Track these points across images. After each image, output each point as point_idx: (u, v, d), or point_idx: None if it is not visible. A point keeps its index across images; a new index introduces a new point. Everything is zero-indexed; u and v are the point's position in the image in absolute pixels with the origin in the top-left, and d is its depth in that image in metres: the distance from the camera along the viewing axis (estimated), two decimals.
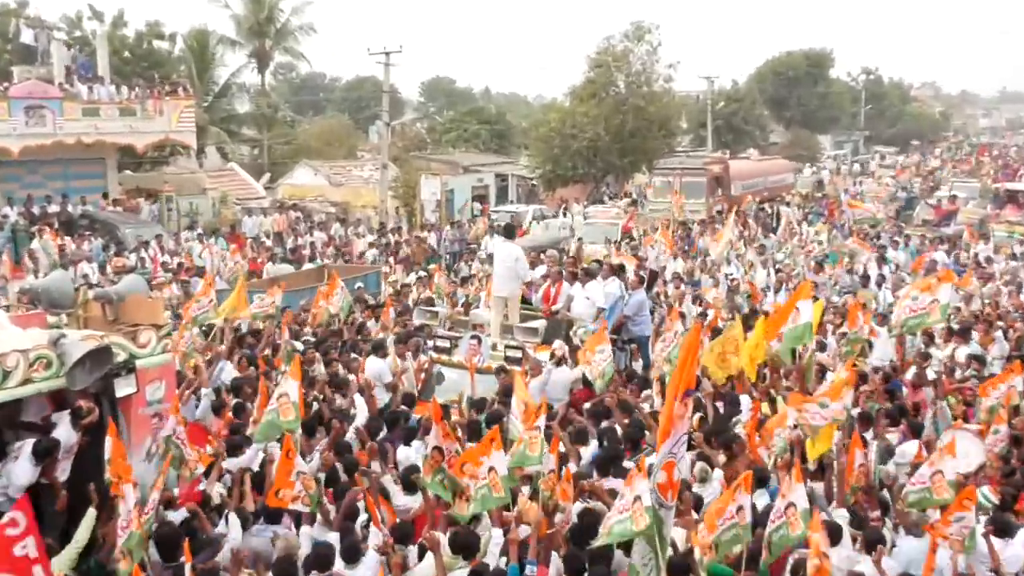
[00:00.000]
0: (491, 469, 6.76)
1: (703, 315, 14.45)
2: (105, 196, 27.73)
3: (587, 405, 10.08)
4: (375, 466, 7.86)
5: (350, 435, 8.85)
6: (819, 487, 7.63)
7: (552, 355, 10.82)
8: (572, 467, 7.64)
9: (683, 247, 22.62)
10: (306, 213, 31.92)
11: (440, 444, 7.16)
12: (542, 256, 16.70)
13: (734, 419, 9.15)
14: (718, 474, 7.86)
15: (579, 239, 21.23)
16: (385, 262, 22.37)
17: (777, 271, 18.83)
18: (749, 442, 8.15)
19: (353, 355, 12.08)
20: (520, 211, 33.55)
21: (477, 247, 25.47)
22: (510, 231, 12.54)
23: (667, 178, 33.04)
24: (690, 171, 32.92)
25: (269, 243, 25.11)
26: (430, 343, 12.02)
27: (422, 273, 19.48)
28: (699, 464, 7.82)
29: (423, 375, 11.49)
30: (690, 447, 7.86)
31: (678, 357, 7.20)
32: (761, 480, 7.36)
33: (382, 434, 8.96)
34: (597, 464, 7.90)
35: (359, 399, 9.69)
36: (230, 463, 7.96)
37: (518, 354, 10.83)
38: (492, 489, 6.73)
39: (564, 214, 34.17)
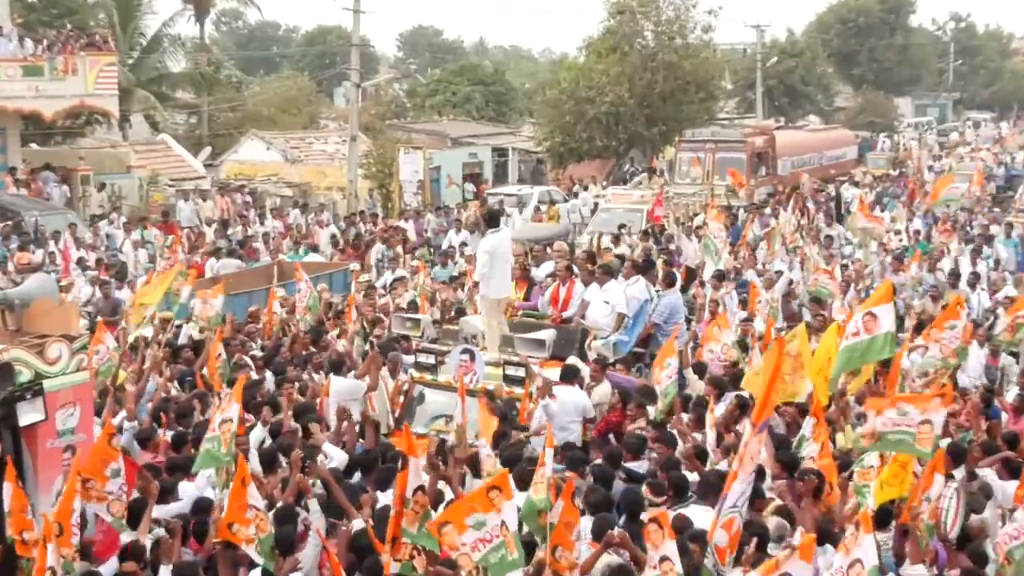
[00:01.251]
0: (503, 524, 6.70)
1: (748, 322, 14.47)
2: (12, 172, 27.77)
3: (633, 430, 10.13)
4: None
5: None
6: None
7: (564, 374, 10.88)
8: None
9: (727, 238, 22.59)
10: (256, 197, 31.99)
11: (424, 483, 7.17)
12: (548, 250, 16.72)
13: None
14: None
15: (599, 232, 21.25)
16: (344, 255, 22.39)
17: (843, 268, 18.86)
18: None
19: (312, 376, 12.11)
20: (523, 193, 33.63)
21: (473, 234, 25.47)
22: (494, 218, 12.61)
23: (696, 153, 32.95)
24: (725, 144, 32.85)
25: (210, 234, 25.14)
26: (410, 358, 12.06)
27: (399, 273, 19.49)
28: (775, 519, 7.65)
29: (402, 399, 11.54)
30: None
31: (762, 377, 7.16)
32: (825, 534, 7.31)
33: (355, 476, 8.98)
34: (625, 510, 7.92)
35: (330, 448, 9.64)
36: (161, 511, 8.00)
37: (520, 372, 10.86)
38: (507, 550, 6.67)
39: (577, 197, 34.27)
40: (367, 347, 12.54)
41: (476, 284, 12.42)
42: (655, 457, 9.30)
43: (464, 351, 11.16)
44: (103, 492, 7.69)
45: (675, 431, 9.75)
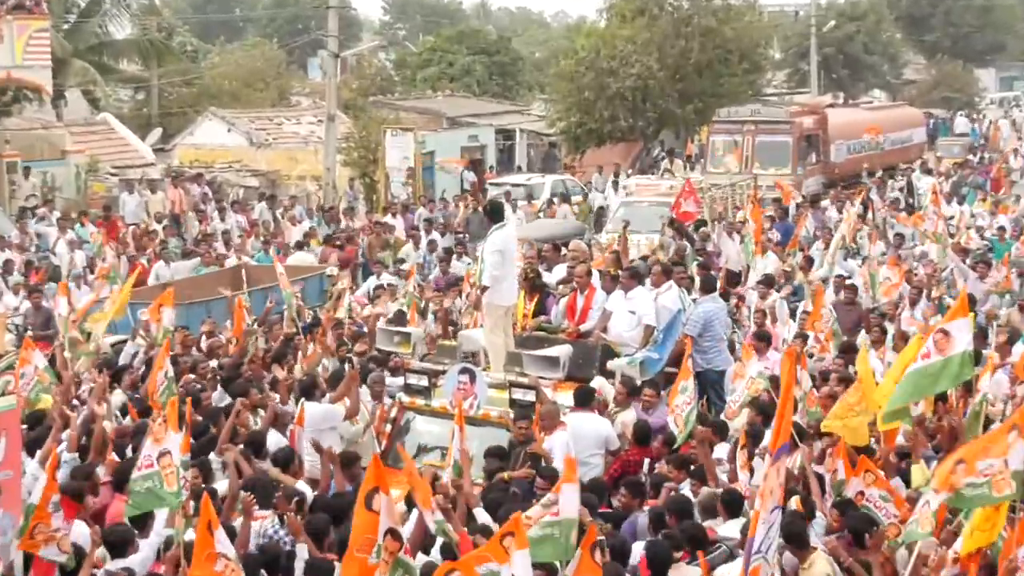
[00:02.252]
0: None
1: (802, 338, 14.44)
2: None
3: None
4: None
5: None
6: None
7: (579, 398, 10.85)
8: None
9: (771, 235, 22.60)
10: (216, 188, 32.04)
11: (396, 526, 7.21)
12: (563, 251, 16.71)
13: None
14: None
15: (625, 223, 21.21)
16: (342, 250, 22.49)
17: (909, 272, 18.83)
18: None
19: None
20: (533, 183, 33.64)
21: (465, 237, 25.50)
22: (497, 211, 12.60)
23: (732, 136, 32.97)
24: (767, 125, 32.81)
25: (160, 231, 25.18)
26: (396, 380, 12.03)
27: (385, 279, 19.51)
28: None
29: (388, 428, 11.54)
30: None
31: (780, 398, 7.16)
32: None
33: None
34: (650, 567, 7.97)
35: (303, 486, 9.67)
36: (113, 566, 8.06)
37: (529, 396, 10.85)
38: None
39: (597, 188, 34.27)
40: (346, 366, 12.54)
41: (478, 292, 12.39)
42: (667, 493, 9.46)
43: (463, 371, 11.18)
44: (50, 533, 7.85)
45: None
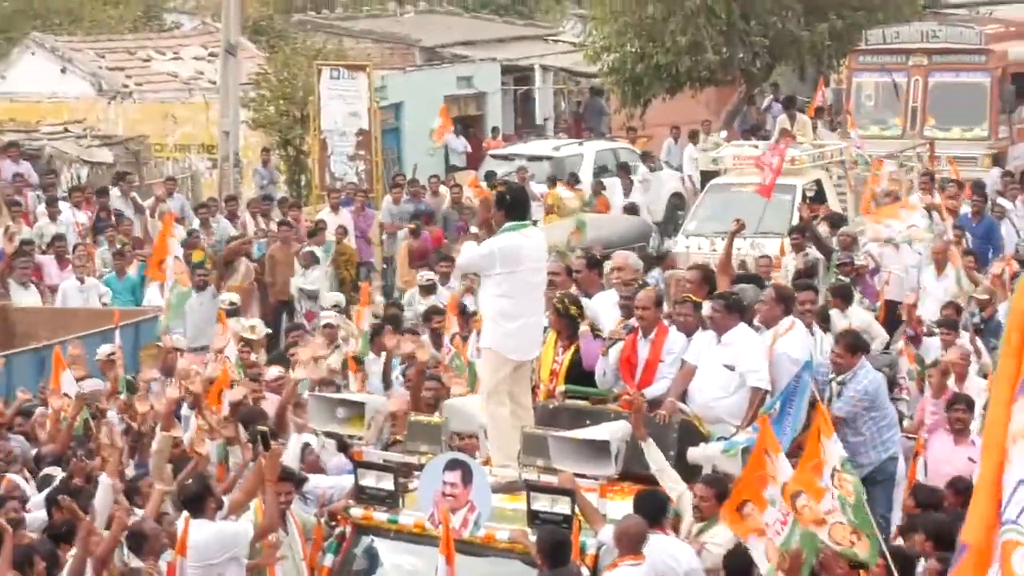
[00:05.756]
0: None
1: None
2: None
3: None
4: None
5: None
6: None
7: (643, 508, 10.94)
8: None
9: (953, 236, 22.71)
10: (43, 164, 32.13)
11: None
12: (610, 267, 16.74)
13: None
14: None
15: (738, 222, 21.28)
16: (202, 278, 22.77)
17: None
18: None
19: None
20: (564, 154, 33.82)
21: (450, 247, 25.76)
22: (517, 202, 12.69)
23: (887, 75, 33.28)
24: (949, 57, 33.13)
25: None
26: (340, 481, 12.18)
27: (325, 316, 19.73)
28: None
29: (328, 560, 11.64)
30: None
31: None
32: None
33: None
34: None
35: None
36: None
37: (563, 508, 10.94)
38: None
39: (670, 163, 34.37)
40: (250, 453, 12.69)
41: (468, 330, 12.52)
42: None
43: (452, 465, 11.24)
44: None
45: None
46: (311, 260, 25.41)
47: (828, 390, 13.31)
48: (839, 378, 13.48)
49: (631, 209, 30.52)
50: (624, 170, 32.54)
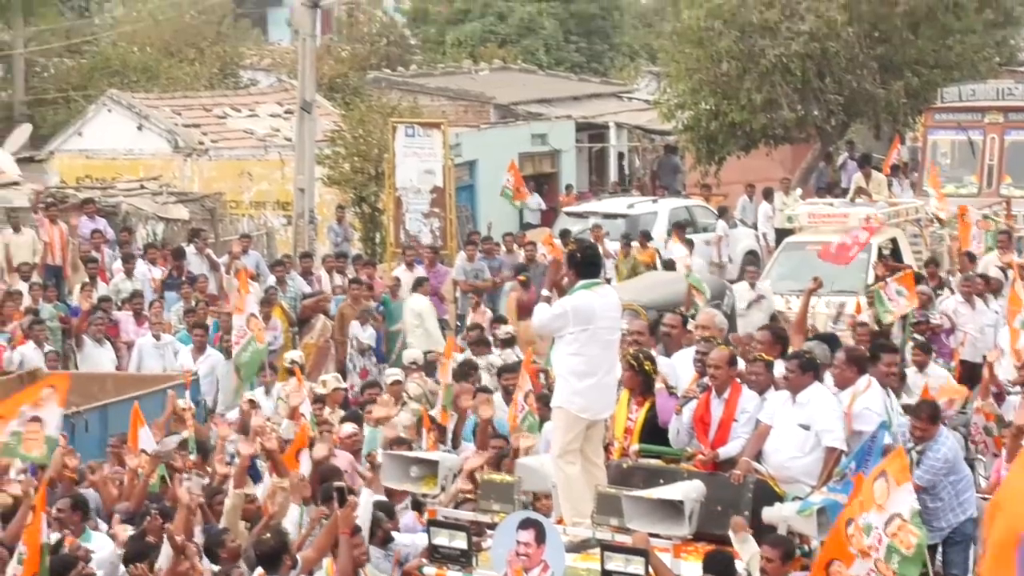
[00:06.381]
0: None
1: None
2: None
3: None
4: None
5: None
6: None
7: (712, 567, 10.88)
8: None
9: None
10: (117, 220, 32.28)
11: None
12: (694, 325, 16.71)
13: None
14: None
15: (815, 281, 21.23)
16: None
17: None
18: None
19: None
20: (639, 211, 33.80)
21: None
22: (591, 261, 12.76)
23: (964, 132, 33.12)
24: None
25: (26, 293, 25.50)
26: (412, 540, 12.21)
27: (390, 373, 19.82)
28: None
29: None
30: None
31: None
32: None
33: None
34: None
35: None
36: None
37: (636, 568, 10.86)
38: None
39: (744, 220, 34.27)
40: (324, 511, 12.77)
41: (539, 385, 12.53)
42: None
43: (525, 524, 11.24)
44: None
45: None
46: (367, 317, 25.62)
47: (908, 457, 13.30)
48: (919, 447, 13.48)
49: (669, 265, 30.54)
50: (680, 228, 32.49)
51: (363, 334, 25.34)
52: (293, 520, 13.65)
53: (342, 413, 18.58)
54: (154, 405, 19.43)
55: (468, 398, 17.42)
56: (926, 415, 13.70)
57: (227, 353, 22.79)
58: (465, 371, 19.95)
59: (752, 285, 26.14)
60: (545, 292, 12.68)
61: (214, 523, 13.90)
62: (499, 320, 25.12)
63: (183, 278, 27.51)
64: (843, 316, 22.71)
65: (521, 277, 25.53)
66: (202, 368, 22.22)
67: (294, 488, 14.20)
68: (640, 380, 13.61)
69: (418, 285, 27.28)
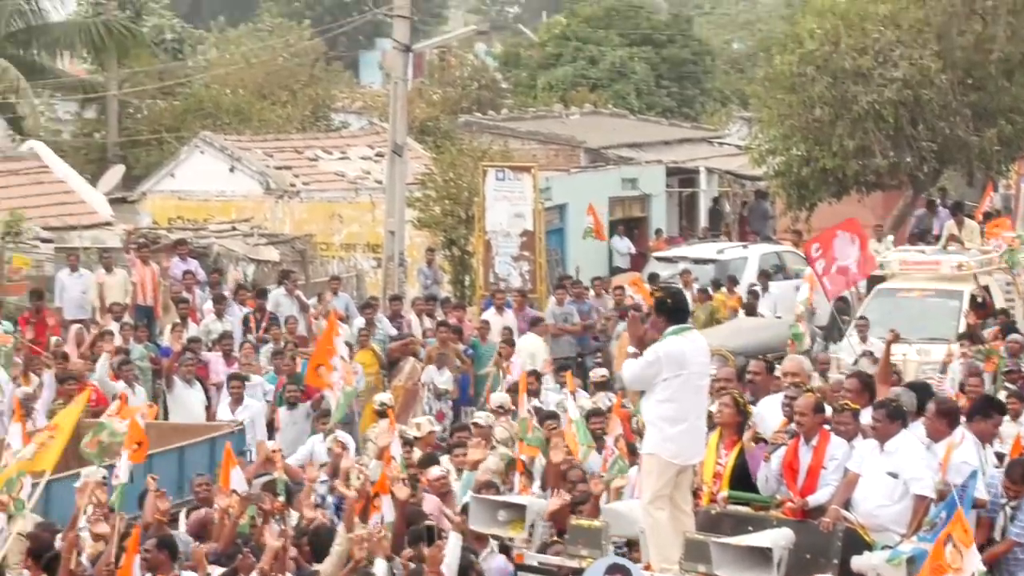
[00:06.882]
0: None
1: None
2: None
3: None
4: None
5: None
6: None
7: None
8: None
9: None
10: (209, 262, 32.52)
11: None
12: (782, 372, 16.71)
13: None
14: None
15: (892, 332, 21.17)
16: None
17: None
18: None
19: None
20: (729, 257, 33.77)
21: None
22: (679, 308, 12.79)
23: None
24: None
25: (117, 333, 25.72)
26: None
27: (479, 417, 19.94)
28: None
29: None
30: None
31: None
32: None
33: None
34: None
35: None
36: None
37: None
38: None
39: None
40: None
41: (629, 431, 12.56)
42: None
43: (613, 569, 11.25)
44: None
45: None
46: (444, 361, 25.71)
47: (1001, 514, 13.25)
48: (1013, 503, 13.39)
49: (750, 311, 30.60)
50: (765, 276, 32.46)
51: (439, 378, 25.45)
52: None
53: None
54: (199, 455, 20.02)
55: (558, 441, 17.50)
56: (1019, 476, 13.59)
57: (289, 403, 22.98)
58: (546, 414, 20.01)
59: (863, 339, 26.04)
60: (631, 348, 12.72)
61: (306, 567, 14.01)
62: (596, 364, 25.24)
63: (263, 317, 27.82)
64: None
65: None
66: (242, 418, 22.31)
67: (371, 544, 14.23)
68: (741, 420, 13.62)
69: (533, 324, 27.54)
